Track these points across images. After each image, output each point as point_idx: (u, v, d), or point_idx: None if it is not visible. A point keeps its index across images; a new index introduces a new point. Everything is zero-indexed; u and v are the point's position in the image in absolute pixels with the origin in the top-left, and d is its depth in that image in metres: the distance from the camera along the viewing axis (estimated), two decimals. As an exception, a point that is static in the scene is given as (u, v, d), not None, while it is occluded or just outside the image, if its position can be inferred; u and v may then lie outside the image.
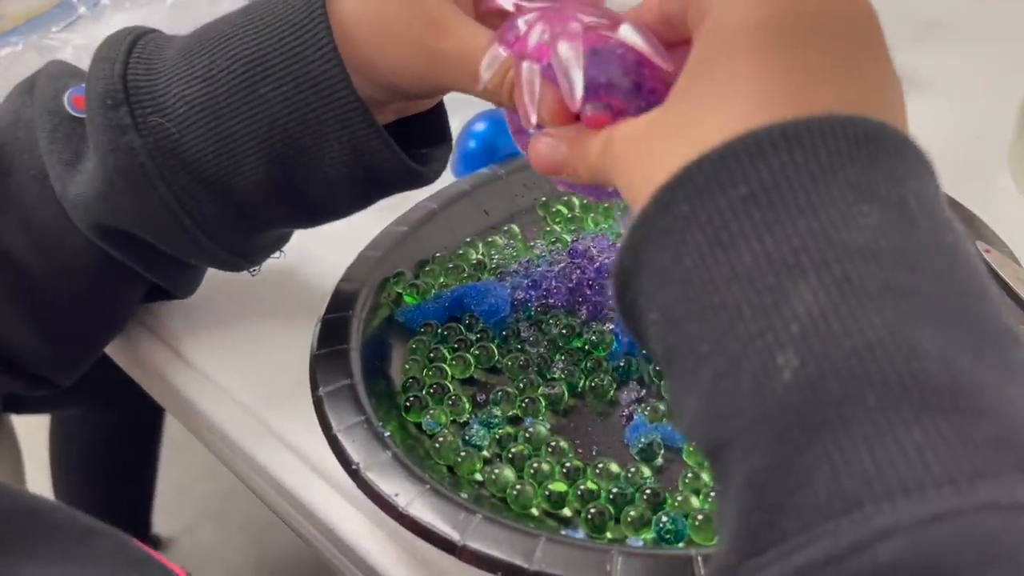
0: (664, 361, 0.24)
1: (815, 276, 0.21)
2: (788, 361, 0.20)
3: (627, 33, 0.29)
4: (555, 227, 0.48)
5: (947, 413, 0.19)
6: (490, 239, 0.48)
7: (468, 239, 0.48)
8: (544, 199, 0.50)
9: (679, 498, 0.34)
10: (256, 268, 0.44)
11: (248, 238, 0.41)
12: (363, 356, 0.40)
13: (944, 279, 0.21)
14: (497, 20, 0.36)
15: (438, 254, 0.47)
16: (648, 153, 0.26)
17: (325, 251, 0.47)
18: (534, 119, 0.30)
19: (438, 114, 0.42)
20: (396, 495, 0.33)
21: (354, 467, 0.35)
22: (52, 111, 0.39)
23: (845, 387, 0.20)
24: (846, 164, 0.22)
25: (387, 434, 0.36)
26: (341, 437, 0.36)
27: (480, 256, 0.47)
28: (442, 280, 0.46)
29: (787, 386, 0.20)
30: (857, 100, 0.24)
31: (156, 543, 1.23)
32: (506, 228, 0.49)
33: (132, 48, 0.38)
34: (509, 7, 0.32)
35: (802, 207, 0.22)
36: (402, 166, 0.38)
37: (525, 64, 0.30)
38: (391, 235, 0.46)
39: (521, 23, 0.31)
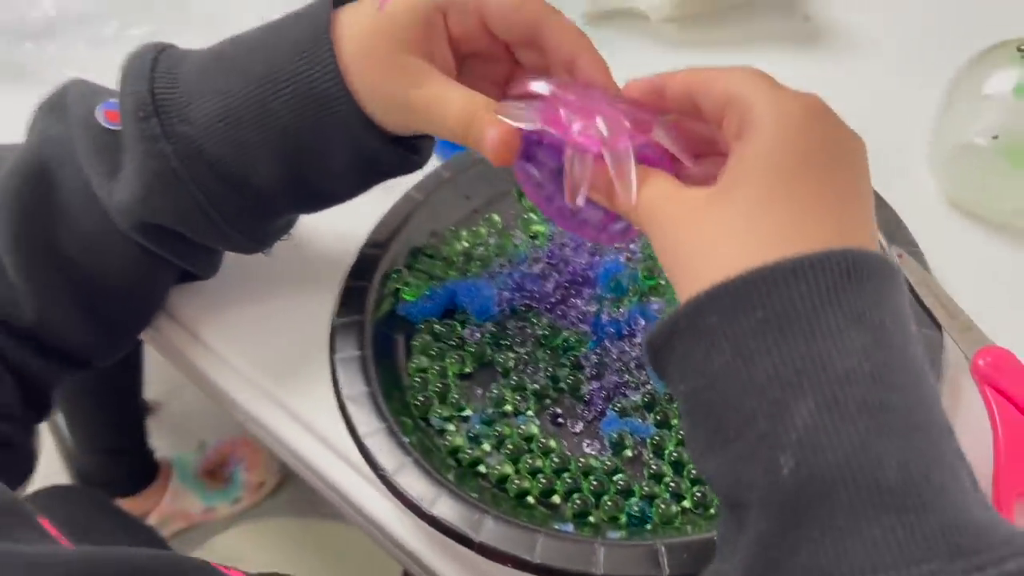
0: (688, 421, 0.33)
1: (811, 397, 0.29)
2: (787, 461, 0.29)
3: (661, 137, 0.37)
4: (531, 215, 0.54)
5: (899, 512, 0.27)
6: (474, 228, 0.54)
7: (453, 227, 0.54)
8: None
9: (645, 488, 0.43)
10: (269, 249, 0.49)
11: (264, 225, 0.47)
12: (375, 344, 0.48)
13: (908, 392, 0.30)
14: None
15: (427, 244, 0.53)
16: (687, 239, 0.34)
17: (327, 238, 0.53)
18: (581, 201, 0.37)
19: None
20: (421, 500, 0.42)
21: (381, 472, 0.43)
22: (88, 127, 0.43)
23: (827, 487, 0.28)
24: (840, 294, 0.30)
25: (407, 440, 0.44)
26: (368, 443, 0.44)
27: (466, 245, 0.53)
28: (436, 272, 0.52)
29: (786, 479, 0.29)
30: (851, 226, 0.33)
31: (146, 409, 1.32)
32: (487, 216, 0.54)
33: (155, 65, 0.43)
34: (545, 92, 0.39)
35: (805, 333, 0.30)
36: (400, 158, 0.44)
37: (576, 155, 0.37)
38: (387, 226, 0.52)
39: (563, 113, 0.37)
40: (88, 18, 0.70)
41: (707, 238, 0.33)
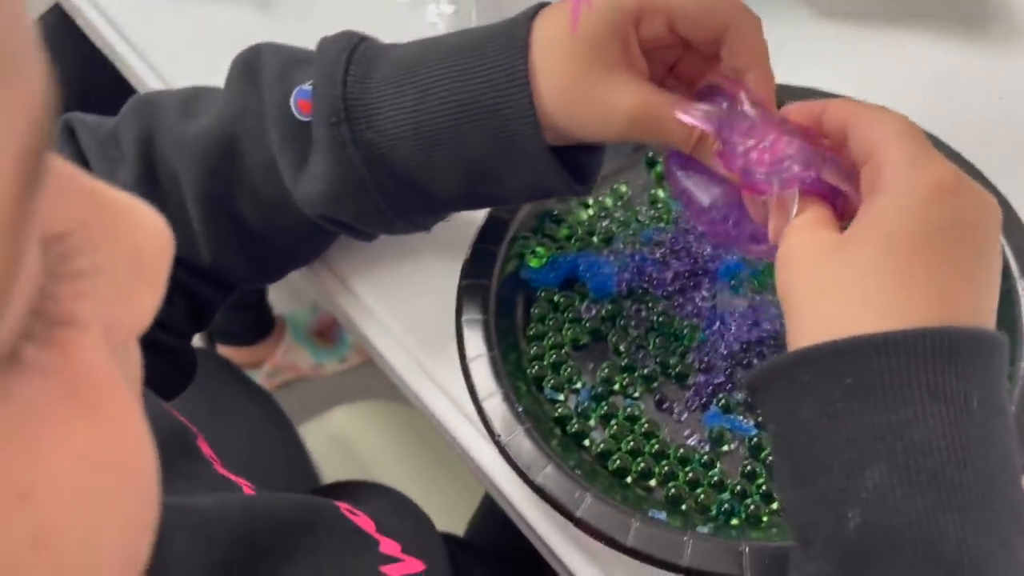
0: (776, 453, 0.36)
1: (885, 462, 0.32)
2: (855, 517, 0.32)
3: (830, 175, 0.39)
4: (659, 191, 0.55)
5: None
6: (600, 197, 0.55)
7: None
8: (650, 153, 0.56)
9: (738, 486, 0.46)
10: (430, 230, 0.53)
11: (434, 220, 0.51)
12: (498, 295, 0.51)
13: (981, 471, 0.32)
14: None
15: (554, 209, 0.55)
16: (801, 281, 0.36)
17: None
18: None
19: None
20: (528, 468, 0.46)
21: (497, 438, 0.47)
22: (281, 115, 0.46)
23: (887, 548, 0.31)
24: (926, 370, 0.32)
25: (520, 409, 0.47)
26: (486, 407, 0.48)
27: (591, 214, 0.55)
28: (560, 238, 0.54)
29: (851, 531, 0.32)
30: (955, 304, 0.34)
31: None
32: (614, 187, 0.56)
33: (348, 67, 0.45)
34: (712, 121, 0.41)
35: (887, 403, 0.32)
36: (570, 189, 0.46)
37: (751, 199, 0.41)
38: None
39: (740, 149, 0.40)
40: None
41: (818, 287, 0.36)
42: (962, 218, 0.35)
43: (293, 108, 0.45)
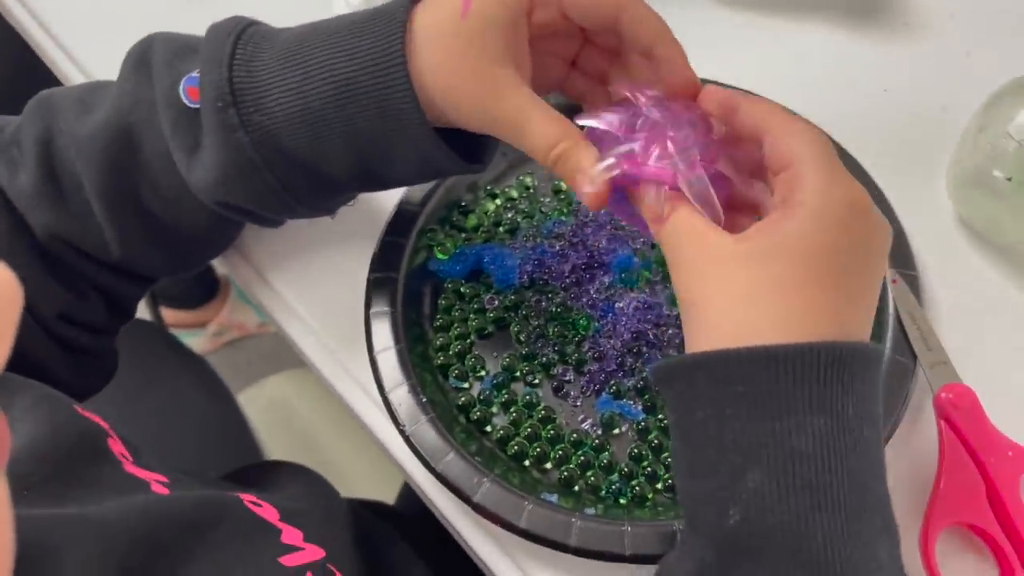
0: (673, 440, 0.39)
1: (766, 465, 0.35)
2: (734, 514, 0.35)
3: (726, 167, 0.41)
4: (562, 182, 0.58)
5: None
6: (506, 188, 0.58)
7: (488, 186, 0.58)
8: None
9: (624, 468, 0.49)
10: (334, 214, 0.54)
11: (331, 201, 0.51)
12: (405, 286, 0.53)
13: (853, 476, 0.35)
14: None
15: (462, 200, 0.57)
16: (710, 286, 0.38)
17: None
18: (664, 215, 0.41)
19: None
20: (431, 456, 0.49)
21: (402, 427, 0.50)
22: (171, 103, 0.46)
23: (760, 543, 0.35)
24: (811, 383, 0.35)
25: (424, 399, 0.50)
26: (391, 398, 0.50)
27: (496, 204, 0.57)
28: (467, 229, 0.56)
29: (731, 527, 0.35)
30: (853, 322, 0.37)
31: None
32: (520, 178, 0.58)
33: (234, 51, 0.45)
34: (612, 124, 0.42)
35: (773, 413, 0.35)
36: (463, 168, 0.47)
37: (653, 189, 0.40)
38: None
39: (636, 147, 0.41)
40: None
41: (730, 294, 0.37)
42: (868, 241, 0.38)
43: (182, 95, 0.46)
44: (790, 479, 0.34)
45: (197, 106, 0.46)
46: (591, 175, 0.41)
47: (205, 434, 0.83)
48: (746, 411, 0.35)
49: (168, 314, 1.37)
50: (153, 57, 0.48)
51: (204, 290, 1.39)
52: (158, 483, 0.45)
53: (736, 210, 0.42)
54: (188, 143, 0.46)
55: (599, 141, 0.42)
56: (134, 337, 0.81)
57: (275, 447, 0.88)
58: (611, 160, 0.41)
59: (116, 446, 0.45)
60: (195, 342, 1.40)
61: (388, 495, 0.82)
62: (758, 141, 0.40)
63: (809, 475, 0.34)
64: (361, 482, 0.86)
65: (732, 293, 0.37)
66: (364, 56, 0.44)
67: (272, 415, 0.93)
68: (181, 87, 0.46)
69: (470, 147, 0.48)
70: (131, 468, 0.44)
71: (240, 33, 0.46)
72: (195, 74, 0.46)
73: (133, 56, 0.48)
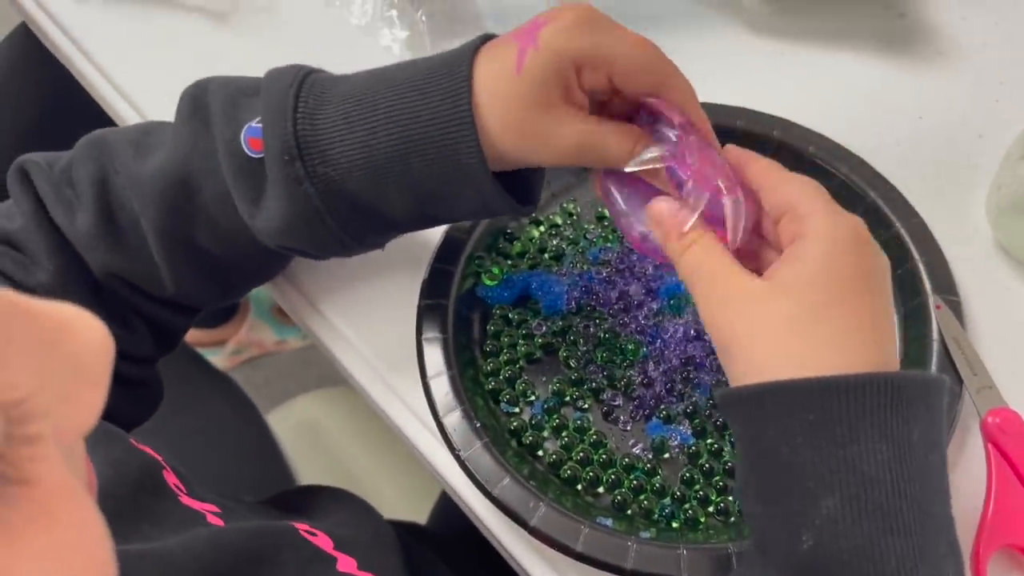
0: (741, 463, 0.41)
1: (838, 492, 0.36)
2: (807, 540, 0.37)
3: (728, 208, 0.43)
4: (605, 209, 0.59)
5: None
6: (550, 215, 0.59)
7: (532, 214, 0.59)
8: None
9: (676, 492, 0.50)
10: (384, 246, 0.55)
11: (388, 239, 0.53)
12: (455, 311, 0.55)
13: (920, 501, 0.37)
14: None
15: (507, 226, 0.58)
16: (744, 323, 0.40)
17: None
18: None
19: None
20: (487, 481, 0.50)
21: (457, 452, 0.51)
22: (233, 153, 0.47)
23: (834, 568, 0.36)
24: (876, 411, 0.37)
25: (478, 424, 0.51)
26: (446, 423, 0.51)
27: (541, 231, 0.58)
28: (514, 255, 0.57)
29: (804, 552, 0.37)
30: (888, 349, 0.40)
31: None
32: (563, 204, 0.59)
33: (296, 103, 0.46)
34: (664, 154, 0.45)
35: (842, 439, 0.37)
36: (517, 211, 0.49)
37: (694, 218, 0.43)
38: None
39: (683, 174, 0.44)
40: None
41: (767, 328, 0.39)
42: (874, 265, 0.40)
43: (244, 146, 0.47)
44: (863, 504, 0.36)
45: (259, 156, 0.47)
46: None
47: (238, 457, 0.83)
48: (817, 439, 0.37)
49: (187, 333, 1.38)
50: (211, 104, 0.48)
51: (223, 309, 1.40)
52: (212, 514, 0.45)
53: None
54: (251, 193, 0.47)
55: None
56: (164, 359, 0.83)
57: (305, 469, 0.89)
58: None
59: (171, 477, 0.46)
60: (214, 360, 1.40)
61: (418, 515, 0.83)
62: (758, 195, 0.43)
63: (880, 499, 0.36)
64: (391, 503, 0.86)
65: (774, 327, 0.39)
66: (431, 115, 0.45)
67: (301, 436, 0.94)
68: (242, 138, 0.47)
69: (519, 187, 0.49)
70: (186, 500, 0.45)
71: (300, 84, 0.47)
72: (255, 124, 0.47)
73: (187, 101, 0.49)
